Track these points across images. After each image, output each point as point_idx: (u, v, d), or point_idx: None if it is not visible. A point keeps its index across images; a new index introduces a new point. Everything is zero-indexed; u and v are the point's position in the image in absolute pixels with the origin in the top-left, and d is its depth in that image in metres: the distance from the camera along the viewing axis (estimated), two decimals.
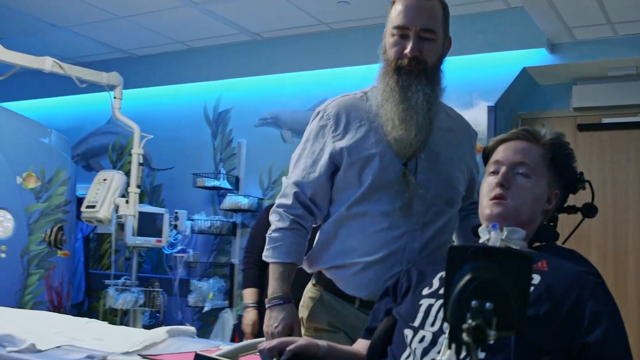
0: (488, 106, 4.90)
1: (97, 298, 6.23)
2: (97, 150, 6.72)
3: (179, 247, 5.78)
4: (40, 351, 2.77)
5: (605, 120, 5.08)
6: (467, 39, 4.91)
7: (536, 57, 4.91)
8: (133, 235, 5.28)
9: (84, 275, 6.31)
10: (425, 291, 1.68)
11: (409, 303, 1.70)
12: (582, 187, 1.86)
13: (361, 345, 1.84)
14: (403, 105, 2.07)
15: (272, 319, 2.07)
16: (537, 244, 1.79)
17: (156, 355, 2.83)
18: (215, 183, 5.74)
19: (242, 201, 5.62)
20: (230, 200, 5.64)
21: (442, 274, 1.66)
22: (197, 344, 3.11)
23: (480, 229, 1.79)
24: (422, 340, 1.56)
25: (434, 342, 1.53)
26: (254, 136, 5.86)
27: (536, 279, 1.56)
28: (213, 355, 1.86)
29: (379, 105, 2.12)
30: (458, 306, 1.09)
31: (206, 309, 5.60)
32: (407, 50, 2.05)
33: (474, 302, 1.08)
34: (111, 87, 5.15)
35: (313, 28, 5.47)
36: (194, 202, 5.95)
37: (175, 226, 5.69)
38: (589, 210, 1.87)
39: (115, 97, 5.15)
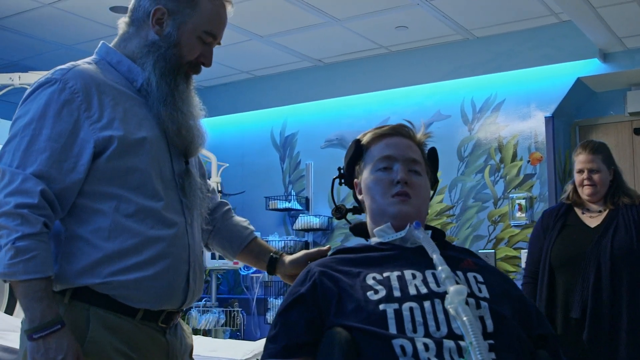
0: (545, 117, 5.06)
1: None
2: None
3: (254, 268, 6.03)
4: None
5: None
6: (523, 54, 5.14)
7: (589, 67, 5.09)
8: (211, 258, 5.58)
9: None
10: (374, 296, 1.49)
11: (364, 311, 1.47)
12: (434, 187, 1.82)
13: None
14: None
15: (53, 350, 1.56)
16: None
17: None
18: (287, 204, 6.03)
19: (314, 221, 5.90)
20: (302, 221, 5.92)
21: (375, 274, 1.54)
22: None
23: (381, 228, 1.67)
24: (427, 349, 1.39)
25: (440, 348, 1.39)
26: (320, 157, 6.11)
27: (479, 277, 1.56)
28: None
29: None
30: None
31: None
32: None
33: None
34: None
35: (372, 52, 5.70)
36: (266, 224, 6.18)
37: None
38: None
39: None
